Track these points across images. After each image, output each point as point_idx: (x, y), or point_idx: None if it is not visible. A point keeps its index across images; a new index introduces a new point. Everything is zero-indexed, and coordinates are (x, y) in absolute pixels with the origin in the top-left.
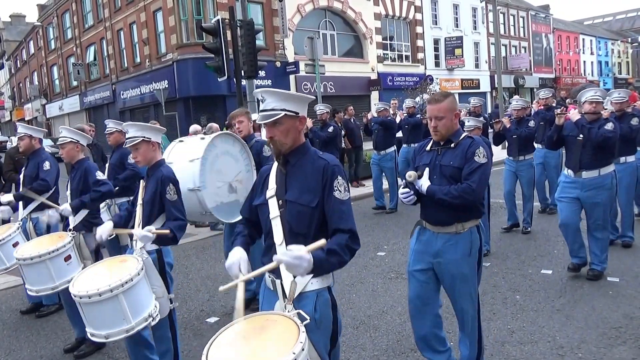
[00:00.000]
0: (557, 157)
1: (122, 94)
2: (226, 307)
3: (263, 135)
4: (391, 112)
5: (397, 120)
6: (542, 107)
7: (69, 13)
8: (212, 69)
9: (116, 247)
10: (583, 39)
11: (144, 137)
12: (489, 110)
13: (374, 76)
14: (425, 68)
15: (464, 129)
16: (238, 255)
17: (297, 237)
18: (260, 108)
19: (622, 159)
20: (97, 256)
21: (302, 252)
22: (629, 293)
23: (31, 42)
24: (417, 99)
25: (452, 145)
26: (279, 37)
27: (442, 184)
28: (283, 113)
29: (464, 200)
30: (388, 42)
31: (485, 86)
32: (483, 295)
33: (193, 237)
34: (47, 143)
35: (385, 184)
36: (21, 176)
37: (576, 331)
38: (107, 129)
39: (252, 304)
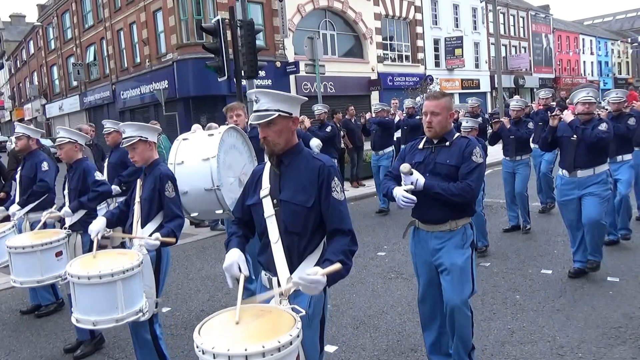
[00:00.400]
0: (553, 155)
1: (122, 94)
2: (226, 307)
3: None
4: (392, 111)
5: (397, 120)
6: (541, 107)
7: (69, 13)
8: (212, 69)
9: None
10: (583, 39)
11: (141, 136)
12: (489, 110)
13: (374, 76)
14: (425, 68)
15: (462, 130)
16: (236, 256)
17: (293, 235)
18: (254, 108)
19: (619, 158)
20: None
21: (319, 276)
22: (629, 293)
23: (31, 42)
24: (417, 99)
25: (447, 144)
26: (279, 37)
27: (436, 182)
28: (277, 114)
29: (462, 199)
30: (388, 42)
31: (485, 86)
32: (483, 295)
33: (193, 237)
34: (47, 143)
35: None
36: (17, 176)
37: (576, 331)
38: (104, 129)
39: None
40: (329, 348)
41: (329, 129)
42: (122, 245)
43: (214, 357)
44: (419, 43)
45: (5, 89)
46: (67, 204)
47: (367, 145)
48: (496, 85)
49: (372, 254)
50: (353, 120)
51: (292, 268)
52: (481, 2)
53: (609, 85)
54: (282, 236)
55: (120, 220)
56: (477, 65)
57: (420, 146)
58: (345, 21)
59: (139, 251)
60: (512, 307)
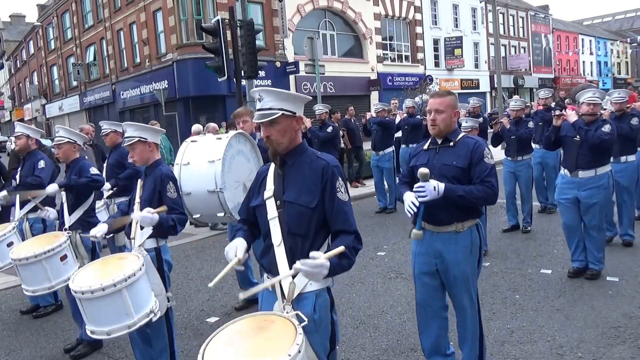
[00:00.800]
0: (555, 156)
1: (122, 94)
2: (226, 307)
3: None
4: (393, 111)
5: (397, 120)
6: (541, 107)
7: (69, 13)
8: (212, 69)
9: (113, 247)
10: (582, 39)
11: (140, 137)
12: (489, 110)
13: (373, 76)
14: (425, 68)
15: (462, 130)
16: (237, 242)
17: (296, 237)
18: (258, 107)
19: (623, 159)
20: (93, 255)
21: (322, 260)
22: (628, 292)
23: (31, 42)
24: (417, 99)
25: (451, 144)
26: (279, 37)
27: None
28: (280, 112)
29: (485, 201)
30: (388, 42)
31: (484, 86)
32: (483, 295)
33: (193, 237)
34: (48, 143)
35: (386, 184)
36: (17, 177)
37: (576, 330)
38: (102, 131)
39: (254, 305)
40: None
41: (330, 129)
42: (122, 248)
43: None
44: (419, 43)
45: (5, 89)
46: (65, 205)
47: (367, 145)
48: (496, 85)
49: (372, 253)
50: (353, 120)
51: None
52: (481, 2)
53: (608, 85)
54: (285, 238)
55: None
56: (476, 66)
57: (425, 147)
58: (345, 21)
59: (138, 253)
60: (511, 307)
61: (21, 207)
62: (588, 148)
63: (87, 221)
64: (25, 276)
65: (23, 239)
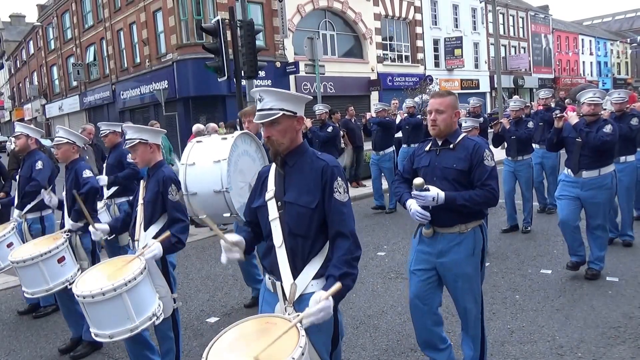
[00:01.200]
0: (555, 157)
1: (122, 94)
2: (226, 307)
3: None
4: (393, 111)
5: (398, 120)
6: (541, 107)
7: (69, 13)
8: (212, 69)
9: (115, 247)
10: (582, 40)
11: (141, 139)
12: (489, 110)
13: (373, 76)
14: (425, 68)
15: (462, 130)
16: (240, 237)
17: (297, 238)
18: (258, 107)
19: (622, 159)
20: (93, 257)
21: (324, 301)
22: (628, 293)
23: (31, 42)
24: (417, 99)
25: (451, 146)
26: (279, 38)
27: (443, 187)
28: (281, 113)
29: (487, 206)
30: (388, 42)
31: (484, 86)
32: (483, 295)
33: (193, 237)
34: (47, 143)
35: (385, 184)
36: (17, 177)
37: (575, 331)
38: (101, 132)
39: (256, 306)
40: None
41: (330, 129)
42: (125, 249)
43: None
44: (419, 43)
45: (5, 89)
46: (65, 207)
47: (368, 145)
48: (496, 86)
49: (372, 254)
50: (353, 120)
51: (295, 271)
52: (481, 2)
53: (608, 86)
54: (286, 239)
55: (125, 225)
56: (476, 66)
57: (427, 148)
58: (345, 21)
59: (142, 255)
60: (511, 307)
61: (21, 208)
62: (590, 149)
63: (87, 223)
64: (24, 278)
65: (22, 239)
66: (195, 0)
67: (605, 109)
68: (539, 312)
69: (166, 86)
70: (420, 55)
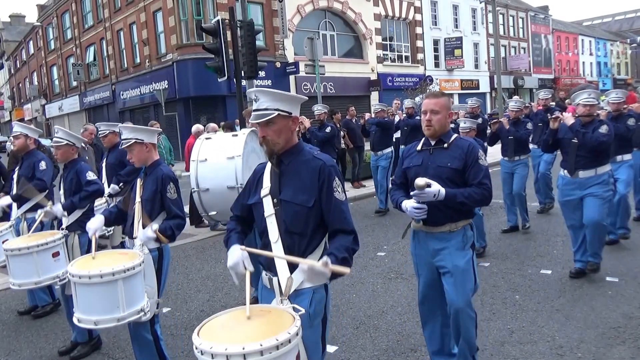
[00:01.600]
0: (552, 156)
1: (122, 95)
2: (226, 307)
3: None
4: (392, 111)
5: (397, 120)
6: (541, 108)
7: (69, 13)
8: (212, 70)
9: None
10: (582, 40)
11: (136, 139)
12: (489, 111)
13: (373, 77)
14: (425, 69)
15: (460, 130)
16: (239, 253)
17: (293, 235)
18: (254, 108)
19: (619, 158)
20: None
21: (327, 270)
22: (628, 293)
23: (31, 43)
24: (417, 99)
25: (445, 145)
26: (279, 38)
27: None
28: (276, 113)
29: (484, 203)
30: (388, 42)
31: (484, 87)
32: (483, 296)
33: (193, 238)
34: (47, 143)
35: (374, 182)
36: (15, 176)
37: (575, 331)
38: (99, 132)
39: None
40: (329, 348)
41: (328, 129)
42: (122, 245)
43: (212, 357)
44: (419, 43)
45: (5, 89)
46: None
47: (367, 146)
48: (495, 86)
49: (372, 254)
50: (354, 120)
51: (292, 268)
52: (480, 2)
53: (608, 86)
54: (283, 236)
55: (118, 219)
56: (476, 66)
57: (419, 148)
58: (345, 22)
59: (140, 251)
60: (511, 307)
61: (19, 207)
62: (586, 150)
63: (86, 222)
64: (14, 268)
65: None
66: (195, 1)
67: (603, 109)
68: (538, 312)
69: (166, 86)
70: (420, 56)
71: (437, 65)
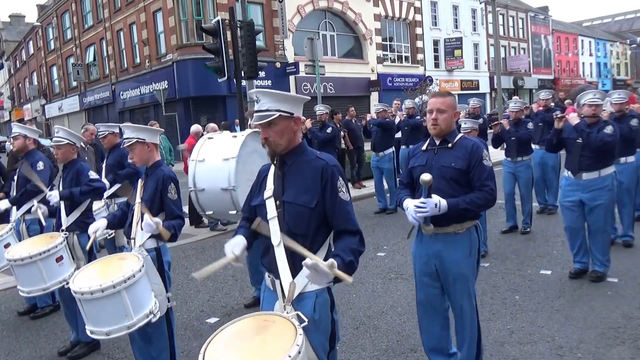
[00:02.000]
0: (555, 157)
1: (122, 95)
2: (226, 307)
3: None
4: (392, 112)
5: (397, 120)
6: (541, 109)
7: (69, 13)
8: (212, 70)
9: (112, 247)
10: (582, 41)
11: (138, 138)
12: (488, 111)
13: (373, 77)
14: (425, 69)
15: (461, 131)
16: (237, 239)
17: (296, 237)
18: (255, 109)
19: (623, 160)
20: (90, 256)
21: (330, 273)
22: (627, 293)
23: (30, 43)
24: (417, 99)
25: (450, 145)
26: (279, 38)
27: (441, 186)
28: (278, 114)
29: (486, 207)
30: (388, 43)
31: (484, 87)
32: (482, 296)
33: (193, 238)
34: (47, 143)
35: (386, 185)
36: (15, 177)
37: (575, 331)
38: (99, 133)
39: (256, 306)
40: None
41: (329, 129)
42: (122, 249)
43: None
44: (419, 44)
45: (4, 89)
46: (62, 205)
47: (367, 146)
48: (495, 86)
49: (372, 254)
50: (354, 121)
51: (294, 270)
52: (480, 3)
53: (608, 87)
54: (285, 237)
55: (122, 221)
56: (476, 66)
57: (424, 148)
58: (345, 22)
59: (138, 253)
60: (511, 308)
61: (18, 209)
62: (591, 150)
63: (85, 222)
64: (20, 277)
65: (20, 240)
66: (195, 1)
67: (604, 110)
68: (538, 312)
69: (166, 86)
70: (420, 56)
71: (437, 65)
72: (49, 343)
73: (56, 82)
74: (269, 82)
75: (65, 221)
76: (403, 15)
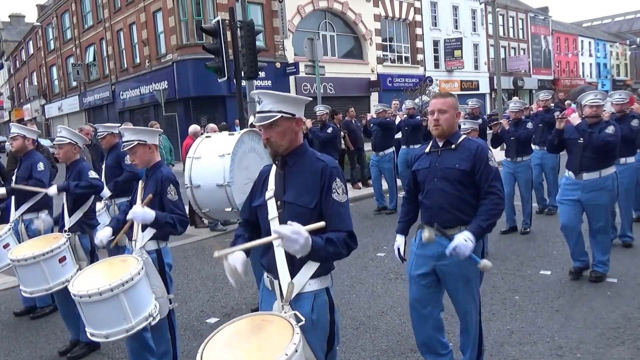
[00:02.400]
0: (555, 158)
1: (122, 95)
2: (226, 307)
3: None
4: (392, 112)
5: (397, 121)
6: (541, 109)
7: (69, 13)
8: (212, 70)
9: (114, 248)
10: (582, 41)
11: (140, 140)
12: (488, 112)
13: (373, 77)
14: (425, 69)
15: (461, 131)
16: (239, 255)
17: None
18: (257, 110)
19: (623, 160)
20: (92, 257)
21: (301, 229)
22: (627, 294)
23: (30, 43)
24: (417, 100)
25: (453, 146)
26: (279, 38)
27: (446, 187)
28: (279, 115)
29: (500, 211)
30: (388, 43)
31: (484, 87)
32: (482, 296)
33: (193, 238)
34: (47, 143)
35: (385, 185)
36: (14, 177)
37: (575, 331)
38: (98, 134)
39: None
40: None
41: (330, 130)
42: (123, 249)
43: None
44: (419, 44)
45: (4, 89)
46: (65, 205)
47: (368, 147)
48: (495, 87)
49: (372, 254)
50: (354, 121)
51: (293, 270)
52: (480, 3)
53: (607, 87)
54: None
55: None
56: (476, 67)
57: (427, 150)
58: (345, 22)
59: (139, 255)
60: (511, 308)
61: (16, 209)
62: (592, 150)
63: (87, 223)
64: (23, 277)
65: (19, 241)
66: (195, 1)
67: (605, 110)
68: (538, 313)
69: (166, 87)
70: (420, 57)
71: (437, 66)
72: (49, 343)
73: (56, 82)
74: (269, 82)
75: (68, 222)
76: (403, 16)
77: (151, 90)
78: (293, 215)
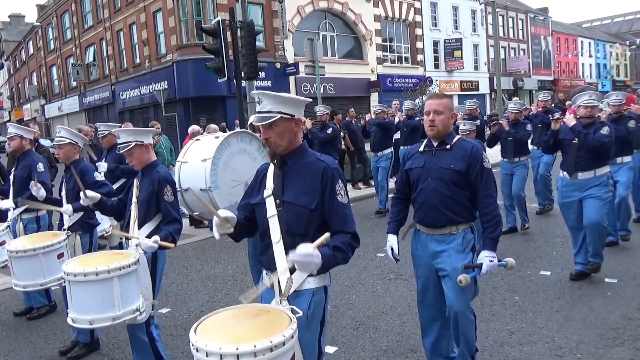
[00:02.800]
0: (552, 158)
1: (122, 95)
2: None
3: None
4: (392, 112)
5: (396, 121)
6: (540, 110)
7: (69, 13)
8: (212, 70)
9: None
10: (582, 42)
11: (137, 141)
12: (488, 112)
13: (373, 78)
14: (425, 70)
15: (460, 132)
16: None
17: (295, 237)
18: (257, 110)
19: (619, 160)
20: None
21: (309, 249)
22: (627, 294)
23: (30, 43)
24: (417, 100)
25: (448, 147)
26: (279, 39)
27: (439, 187)
28: (279, 115)
29: (499, 214)
30: (388, 43)
31: (484, 88)
32: (482, 297)
33: (192, 238)
34: (46, 143)
35: (373, 182)
36: (11, 177)
37: (575, 332)
38: (99, 133)
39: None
40: (329, 349)
41: (330, 130)
42: (120, 245)
43: (207, 355)
44: (419, 45)
45: (4, 89)
46: (64, 204)
47: (368, 147)
48: (495, 87)
49: (372, 255)
50: (354, 122)
51: (292, 269)
52: (480, 4)
53: (607, 88)
54: (285, 237)
55: (114, 209)
56: (476, 67)
57: (421, 149)
58: (345, 22)
59: (135, 251)
60: (511, 308)
61: (15, 208)
62: (586, 151)
63: (87, 222)
64: (18, 270)
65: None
66: (195, 1)
67: (602, 111)
68: (538, 313)
69: (166, 87)
70: (420, 57)
71: (436, 66)
72: (49, 343)
73: (56, 82)
74: (269, 82)
75: (68, 221)
76: (403, 16)
77: (151, 91)
78: (292, 214)
